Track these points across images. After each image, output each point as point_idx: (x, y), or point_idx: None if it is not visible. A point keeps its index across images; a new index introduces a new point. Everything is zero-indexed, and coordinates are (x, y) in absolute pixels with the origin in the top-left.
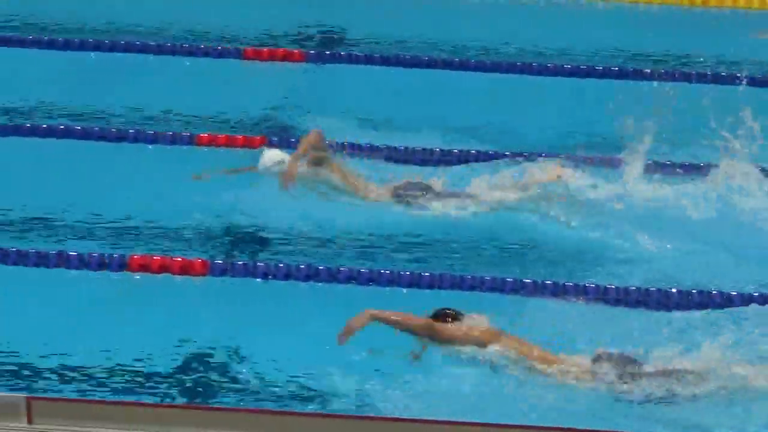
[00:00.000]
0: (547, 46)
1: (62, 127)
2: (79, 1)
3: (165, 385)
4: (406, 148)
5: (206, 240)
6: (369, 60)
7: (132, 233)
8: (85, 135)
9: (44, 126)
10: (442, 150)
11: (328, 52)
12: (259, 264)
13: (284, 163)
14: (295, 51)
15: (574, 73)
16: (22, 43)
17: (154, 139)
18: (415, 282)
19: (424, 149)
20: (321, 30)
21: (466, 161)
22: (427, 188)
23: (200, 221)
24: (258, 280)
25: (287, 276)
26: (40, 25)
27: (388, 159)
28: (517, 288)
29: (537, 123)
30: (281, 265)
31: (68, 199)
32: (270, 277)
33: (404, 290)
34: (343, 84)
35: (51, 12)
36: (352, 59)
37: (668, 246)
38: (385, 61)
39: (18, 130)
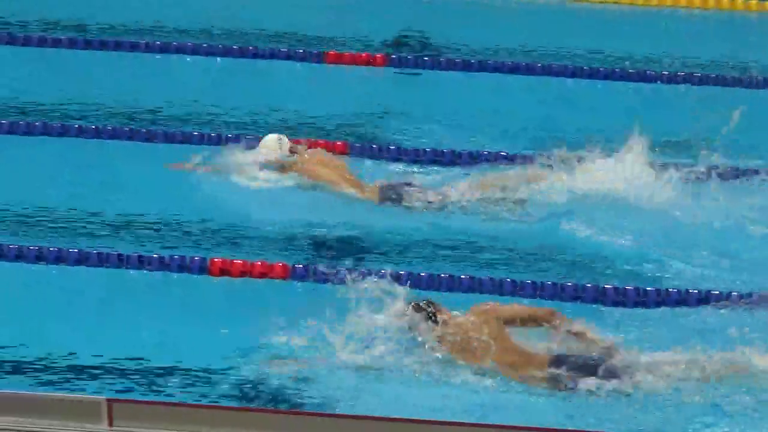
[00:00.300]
0: (612, 51)
1: (144, 131)
2: (165, 4)
3: (246, 388)
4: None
5: (286, 244)
6: (451, 65)
7: (212, 237)
8: (166, 138)
9: (126, 129)
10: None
11: (410, 57)
12: (340, 268)
13: (285, 142)
14: (378, 55)
15: (642, 77)
16: (121, 45)
17: (235, 142)
18: (497, 287)
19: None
20: (404, 35)
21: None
22: (415, 186)
23: (279, 225)
24: (337, 284)
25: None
26: (125, 28)
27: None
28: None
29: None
30: (363, 270)
31: (148, 201)
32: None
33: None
34: (425, 89)
35: (136, 15)
36: (434, 64)
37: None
38: (467, 66)
39: (99, 133)
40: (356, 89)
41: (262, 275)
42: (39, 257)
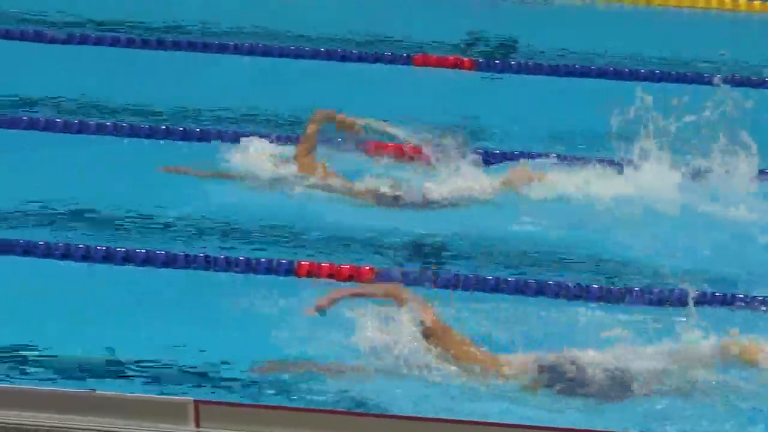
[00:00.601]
0: (702, 56)
1: (232, 131)
2: (247, 7)
3: (329, 392)
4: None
5: (373, 248)
6: (537, 69)
7: (298, 239)
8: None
9: (230, 131)
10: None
11: (497, 61)
12: (427, 272)
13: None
14: (465, 59)
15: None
16: (208, 47)
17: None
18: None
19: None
20: (491, 38)
21: None
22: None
23: (364, 228)
24: (427, 288)
25: (454, 285)
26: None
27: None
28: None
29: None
30: (451, 274)
31: (238, 205)
32: (439, 286)
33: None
34: (512, 93)
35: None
36: (521, 68)
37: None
38: (554, 70)
39: (187, 135)
40: (443, 92)
41: (350, 278)
42: (126, 259)
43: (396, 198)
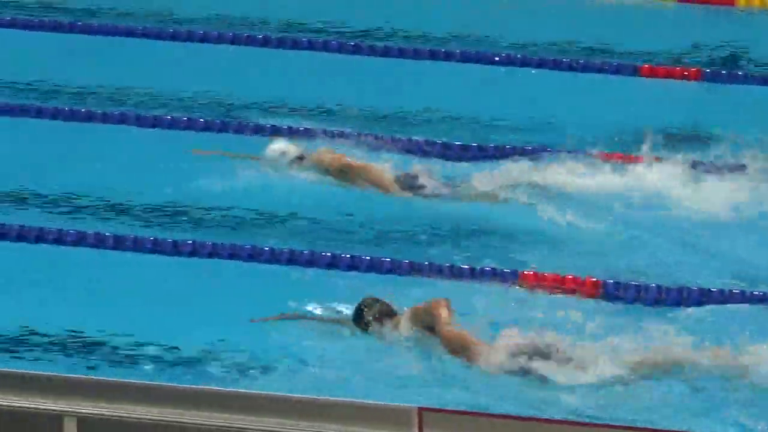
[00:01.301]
0: None
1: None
2: (490, 20)
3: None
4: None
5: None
6: (766, 81)
7: (520, 248)
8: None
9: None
10: None
11: (725, 72)
12: (650, 285)
13: (288, 153)
14: (693, 69)
15: None
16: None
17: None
18: None
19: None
20: (720, 49)
21: None
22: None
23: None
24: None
25: (677, 302)
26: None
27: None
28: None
29: None
30: (669, 287)
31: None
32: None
33: None
34: (742, 104)
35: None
36: (748, 80)
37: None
38: None
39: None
40: (670, 103)
41: (572, 291)
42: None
43: None
